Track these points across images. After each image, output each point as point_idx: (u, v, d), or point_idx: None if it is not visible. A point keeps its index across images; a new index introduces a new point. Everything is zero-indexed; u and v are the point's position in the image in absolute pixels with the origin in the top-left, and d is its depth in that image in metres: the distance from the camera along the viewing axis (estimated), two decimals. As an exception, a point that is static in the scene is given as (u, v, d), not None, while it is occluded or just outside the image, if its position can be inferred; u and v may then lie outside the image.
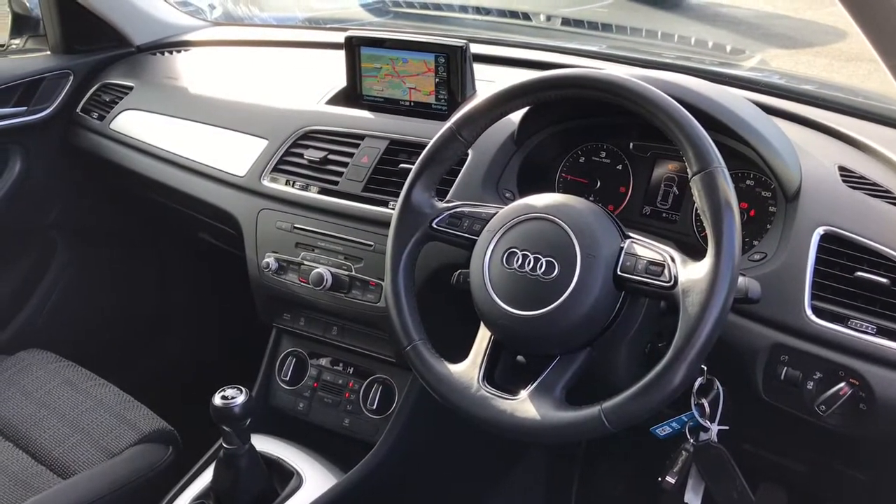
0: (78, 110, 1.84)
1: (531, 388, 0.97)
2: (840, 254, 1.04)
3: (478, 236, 1.06)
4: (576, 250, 0.97)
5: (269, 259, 1.42)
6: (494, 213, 1.07)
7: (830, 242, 1.04)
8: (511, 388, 0.99)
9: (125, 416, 1.41)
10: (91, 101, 1.83)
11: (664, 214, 1.28)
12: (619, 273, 0.96)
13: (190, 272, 2.11)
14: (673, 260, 0.94)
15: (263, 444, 1.37)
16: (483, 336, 1.05)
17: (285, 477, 1.33)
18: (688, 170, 0.93)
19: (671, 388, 0.88)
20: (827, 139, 1.26)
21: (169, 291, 2.13)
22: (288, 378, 1.49)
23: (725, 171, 0.91)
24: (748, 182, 1.20)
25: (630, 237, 1.00)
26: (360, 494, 1.33)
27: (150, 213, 1.92)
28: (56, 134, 1.84)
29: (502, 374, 1.04)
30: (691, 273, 0.91)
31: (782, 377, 1.03)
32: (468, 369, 1.03)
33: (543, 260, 0.98)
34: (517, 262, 1.00)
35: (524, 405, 0.96)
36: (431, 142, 1.12)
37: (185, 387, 1.64)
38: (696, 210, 0.92)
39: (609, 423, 0.90)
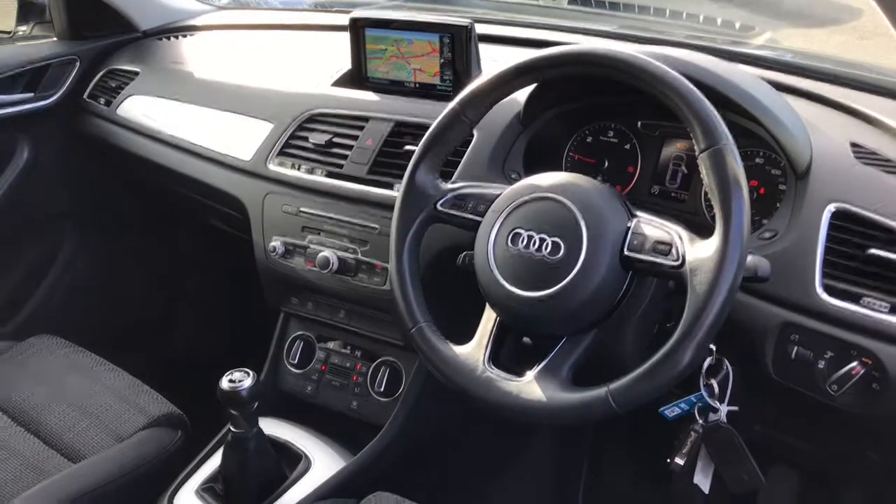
0: (85, 96, 1.83)
1: (537, 369, 0.96)
2: (852, 231, 1.02)
3: (483, 217, 1.05)
4: (582, 230, 0.96)
5: (276, 243, 1.41)
6: (499, 194, 1.05)
7: (842, 219, 1.02)
8: (517, 370, 0.99)
9: (134, 401, 1.41)
10: (98, 87, 1.82)
11: (673, 194, 1.26)
12: (625, 253, 0.95)
13: (198, 257, 2.10)
14: (681, 239, 0.92)
15: (272, 427, 1.36)
16: (488, 317, 1.04)
17: (294, 460, 1.32)
18: (695, 147, 0.91)
19: (679, 369, 0.87)
20: (838, 115, 1.23)
21: (178, 276, 2.13)
22: (296, 361, 1.49)
23: (734, 147, 0.89)
24: (758, 160, 1.18)
25: (637, 216, 0.98)
26: (368, 477, 1.32)
27: (158, 198, 1.92)
28: (63, 120, 1.84)
29: (508, 355, 1.03)
30: (699, 252, 0.89)
31: (793, 357, 1.02)
32: (473, 351, 1.02)
33: (549, 240, 0.97)
34: (522, 242, 0.99)
35: (530, 387, 0.95)
36: (435, 122, 1.10)
37: (194, 371, 1.63)
38: (705, 189, 0.91)
39: (616, 403, 0.89)
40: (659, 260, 0.93)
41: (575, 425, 1.63)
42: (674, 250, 0.92)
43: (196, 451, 1.37)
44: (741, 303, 1.03)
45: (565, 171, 1.33)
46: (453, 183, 1.12)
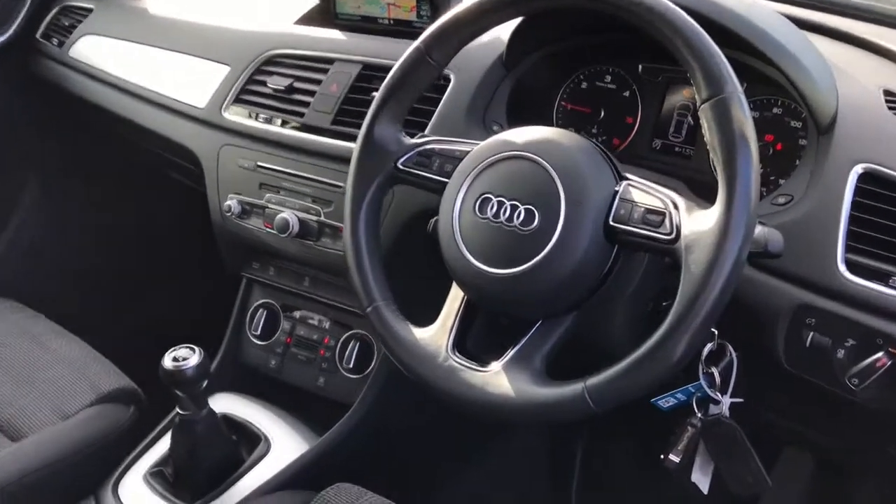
0: (38, 36, 1.69)
1: (506, 358, 0.84)
2: (882, 197, 0.88)
3: (449, 179, 0.91)
4: (560, 196, 0.82)
5: (232, 202, 1.29)
6: (469, 151, 0.91)
7: (870, 183, 0.89)
8: (484, 358, 0.86)
9: (85, 373, 1.31)
10: (51, 26, 1.68)
11: (677, 149, 1.12)
12: (611, 223, 0.81)
13: (163, 217, 1.98)
14: (675, 207, 0.78)
15: (231, 404, 1.27)
16: (455, 296, 0.91)
17: (252, 441, 1.23)
18: (696, 96, 0.77)
19: (669, 364, 0.74)
20: (870, 57, 1.08)
21: (143, 237, 2.01)
22: (259, 332, 1.38)
23: (742, 96, 0.75)
24: (775, 110, 1.03)
25: (627, 179, 0.84)
26: (333, 461, 1.23)
27: (118, 150, 1.79)
28: (15, 62, 1.70)
29: (476, 340, 0.90)
30: (697, 223, 0.75)
31: (808, 344, 0.89)
32: (436, 335, 0.89)
33: (522, 208, 0.83)
34: (491, 210, 0.85)
35: (497, 378, 0.83)
36: (396, 65, 0.96)
37: (157, 339, 1.53)
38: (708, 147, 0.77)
39: (593, 402, 0.77)
40: (649, 232, 0.79)
41: (548, 424, 1.52)
42: (667, 221, 0.78)
43: (153, 427, 1.27)
44: (748, 280, 0.90)
45: (557, 122, 1.20)
46: (421, 137, 0.98)
